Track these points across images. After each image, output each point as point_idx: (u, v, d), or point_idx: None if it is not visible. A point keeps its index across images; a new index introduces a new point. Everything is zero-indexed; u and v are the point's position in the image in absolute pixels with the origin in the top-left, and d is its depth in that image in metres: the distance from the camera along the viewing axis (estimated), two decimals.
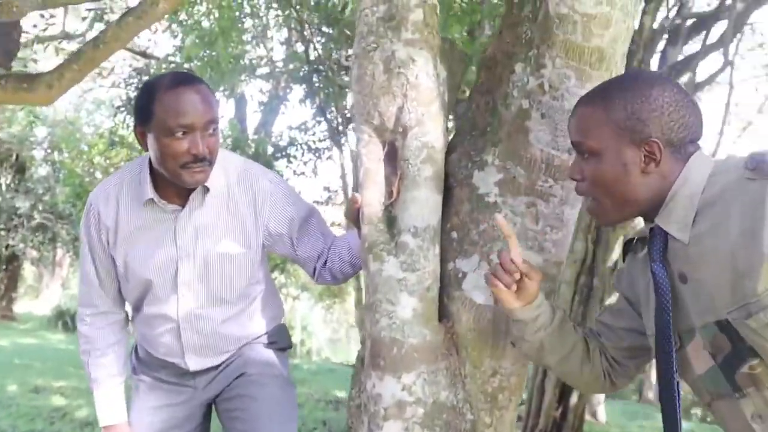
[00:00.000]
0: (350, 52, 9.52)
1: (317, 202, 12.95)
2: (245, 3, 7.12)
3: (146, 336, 2.21)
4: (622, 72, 1.75)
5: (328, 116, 8.96)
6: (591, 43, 1.65)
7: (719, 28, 7.65)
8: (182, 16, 6.45)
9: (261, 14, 8.05)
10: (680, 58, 7.22)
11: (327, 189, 12.83)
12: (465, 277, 1.79)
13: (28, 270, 20.33)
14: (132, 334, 2.31)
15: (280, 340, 2.26)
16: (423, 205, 1.78)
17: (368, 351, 1.79)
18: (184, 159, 1.91)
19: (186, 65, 7.02)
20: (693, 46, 8.28)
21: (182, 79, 1.95)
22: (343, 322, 23.25)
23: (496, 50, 1.87)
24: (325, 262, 2.14)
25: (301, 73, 8.74)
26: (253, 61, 8.97)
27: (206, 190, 2.03)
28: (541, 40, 1.70)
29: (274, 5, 8.09)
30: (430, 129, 1.80)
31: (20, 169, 17.09)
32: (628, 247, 1.67)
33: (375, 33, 1.84)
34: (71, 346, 11.36)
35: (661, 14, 6.89)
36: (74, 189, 12.59)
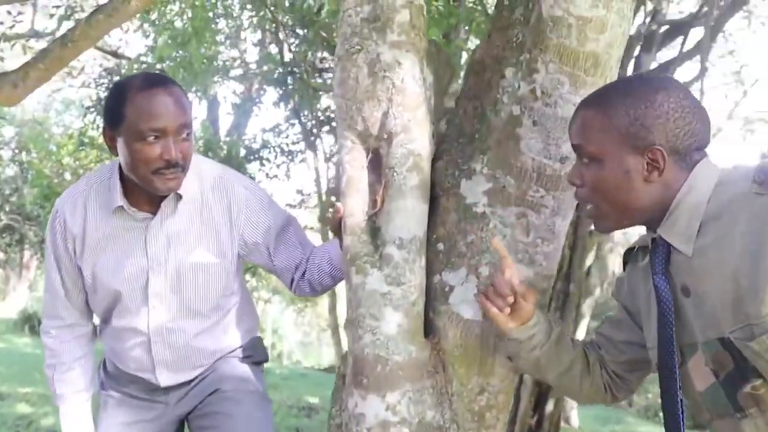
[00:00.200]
0: (326, 54, 9.45)
1: (290, 206, 12.82)
2: (219, 3, 6.99)
3: (115, 350, 2.10)
4: (616, 78, 1.69)
5: (303, 119, 8.85)
6: (586, 47, 1.58)
7: (692, 34, 7.68)
8: (154, 16, 6.31)
9: (235, 15, 7.92)
10: (654, 65, 7.24)
11: (300, 192, 12.71)
12: (452, 290, 1.72)
13: None
14: (99, 339, 2.20)
15: (255, 353, 2.17)
16: (409, 215, 1.70)
17: (350, 368, 1.71)
18: (156, 165, 1.82)
19: (158, 66, 6.87)
20: (666, 53, 8.31)
21: (155, 81, 1.85)
22: (314, 326, 23.11)
23: (484, 54, 1.79)
24: (304, 273, 2.05)
25: (276, 75, 8.62)
26: (227, 63, 8.84)
27: (179, 197, 1.93)
28: (534, 44, 1.63)
29: (248, 6, 7.97)
30: (416, 135, 1.72)
31: None
32: (628, 256, 1.60)
33: (359, 34, 1.75)
34: (38, 351, 11.09)
35: (636, 20, 6.89)
36: (42, 190, 12.34)
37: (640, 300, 1.54)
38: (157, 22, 6.39)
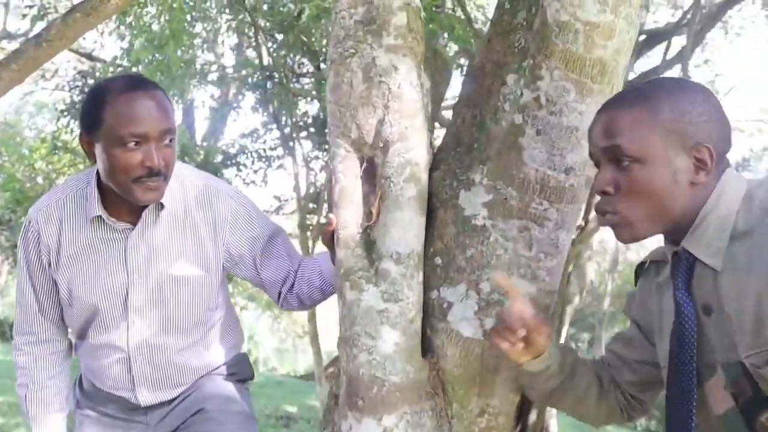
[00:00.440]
0: (304, 60, 9.35)
1: (267, 212, 12.67)
2: (197, 6, 6.87)
3: (92, 367, 1.99)
4: (621, 87, 1.62)
5: (281, 124, 8.74)
6: (593, 54, 1.51)
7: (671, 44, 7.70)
8: (130, 18, 6.17)
9: (212, 18, 7.80)
10: (632, 75, 7.25)
11: (278, 198, 12.58)
12: (450, 307, 1.64)
13: None
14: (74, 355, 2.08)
15: (240, 370, 2.07)
16: (406, 228, 1.61)
17: (344, 389, 1.62)
18: (136, 172, 1.72)
19: (134, 69, 6.74)
20: (644, 62, 8.35)
21: (136, 83, 1.76)
22: (290, 332, 22.93)
23: (484, 59, 1.72)
24: (292, 286, 1.96)
25: (254, 80, 8.50)
26: (204, 67, 8.71)
27: (161, 206, 1.83)
28: (538, 50, 1.55)
29: (226, 10, 7.86)
30: (413, 144, 1.64)
31: None
32: (640, 270, 1.53)
33: (353, 37, 1.67)
34: (9, 358, 10.85)
35: None
36: (14, 194, 12.07)
37: (653, 316, 1.47)
38: (133, 25, 6.27)
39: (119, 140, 1.69)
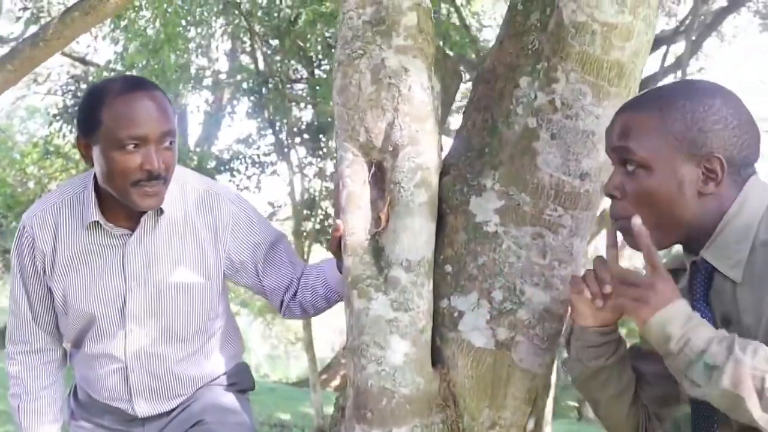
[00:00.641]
0: (298, 67, 9.31)
1: None
2: (192, 11, 6.82)
3: (87, 377, 1.93)
4: (637, 91, 1.58)
5: (276, 129, 8.71)
6: (610, 56, 1.46)
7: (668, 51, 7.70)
8: (125, 22, 6.12)
9: (208, 23, 7.75)
10: None
11: (272, 204, 12.54)
12: (462, 316, 1.58)
13: None
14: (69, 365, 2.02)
15: (241, 381, 2.01)
16: (417, 234, 1.56)
17: (352, 401, 1.56)
18: (135, 176, 1.66)
19: (128, 73, 6.68)
20: (646, 68, 8.36)
21: (135, 84, 1.71)
22: (282, 339, 22.84)
23: (495, 62, 1.67)
24: (295, 294, 1.91)
25: (248, 85, 8.46)
26: (198, 72, 8.66)
27: (160, 212, 1.78)
28: (553, 52, 1.51)
29: (221, 15, 7.81)
30: (424, 148, 1.59)
31: None
32: None
33: (361, 38, 1.62)
34: (1, 365, 10.74)
35: None
36: (5, 199, 11.99)
37: None
38: (128, 28, 6.21)
39: (118, 143, 1.64)
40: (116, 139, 1.65)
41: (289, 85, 8.98)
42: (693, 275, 1.33)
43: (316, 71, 8.76)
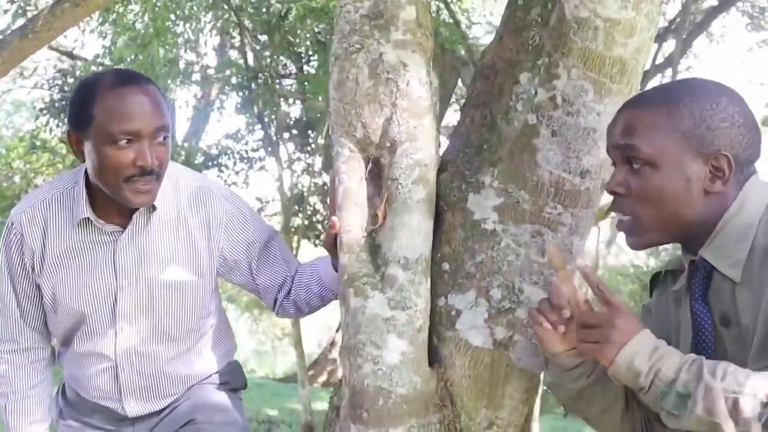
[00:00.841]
0: (287, 62, 9.25)
1: None
2: (182, 5, 6.76)
3: (76, 376, 1.89)
4: (639, 88, 1.56)
5: (266, 125, 8.66)
6: (613, 52, 1.44)
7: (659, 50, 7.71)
8: (113, 16, 6.04)
9: (197, 17, 7.69)
10: None
11: (260, 200, 12.49)
12: (459, 315, 1.56)
13: None
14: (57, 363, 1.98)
15: (233, 379, 1.98)
16: (414, 232, 1.54)
17: (347, 400, 1.54)
18: (128, 172, 1.63)
19: (116, 68, 6.61)
20: None
21: (128, 78, 1.67)
22: (269, 334, 22.80)
23: (495, 57, 1.65)
24: (289, 292, 1.88)
25: (237, 80, 8.42)
26: (187, 67, 8.60)
27: (153, 208, 1.74)
28: (554, 48, 1.49)
29: (211, 10, 7.75)
30: (422, 145, 1.57)
31: None
32: (655, 281, 1.47)
33: (359, 32, 1.60)
34: None
35: None
36: None
37: (671, 328, 1.41)
38: (116, 22, 6.15)
39: (110, 138, 1.60)
40: (108, 134, 1.61)
41: (278, 81, 8.93)
42: (692, 274, 1.32)
43: (306, 67, 8.71)
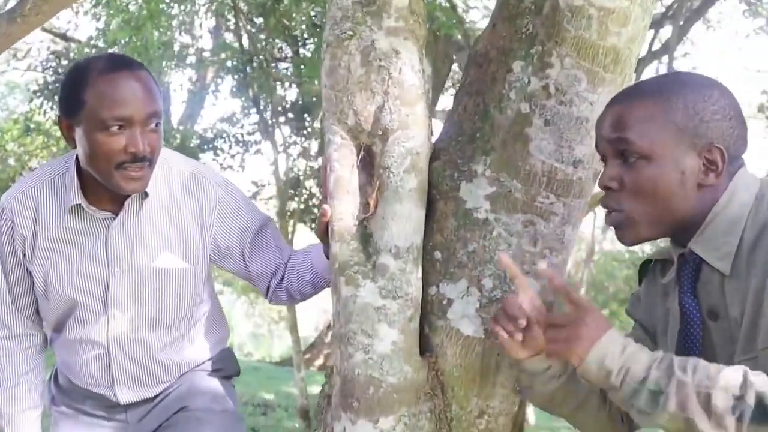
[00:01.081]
0: (283, 45, 9.20)
1: None
2: None
3: (68, 363, 1.89)
4: (632, 78, 1.55)
5: (261, 108, 8.61)
6: (606, 41, 1.44)
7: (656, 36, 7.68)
8: None
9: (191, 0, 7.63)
10: None
11: (255, 183, 12.46)
12: (450, 304, 1.56)
13: None
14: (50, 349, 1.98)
15: (226, 366, 1.98)
16: (406, 221, 1.53)
17: (338, 389, 1.54)
18: (119, 158, 1.62)
19: (110, 50, 6.56)
20: None
21: (120, 63, 1.66)
22: (266, 317, 22.84)
23: (488, 45, 1.64)
24: (282, 280, 1.88)
25: (232, 63, 8.36)
26: (182, 50, 8.53)
27: (145, 195, 1.74)
28: (548, 36, 1.48)
29: None
30: (414, 133, 1.56)
31: None
32: (644, 269, 1.46)
33: (351, 18, 1.58)
34: None
35: None
36: None
37: (658, 318, 1.41)
38: (110, 4, 6.09)
39: (101, 124, 1.59)
40: (100, 119, 1.60)
41: (273, 64, 8.87)
42: (680, 267, 1.31)
43: (301, 50, 8.65)
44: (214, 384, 1.93)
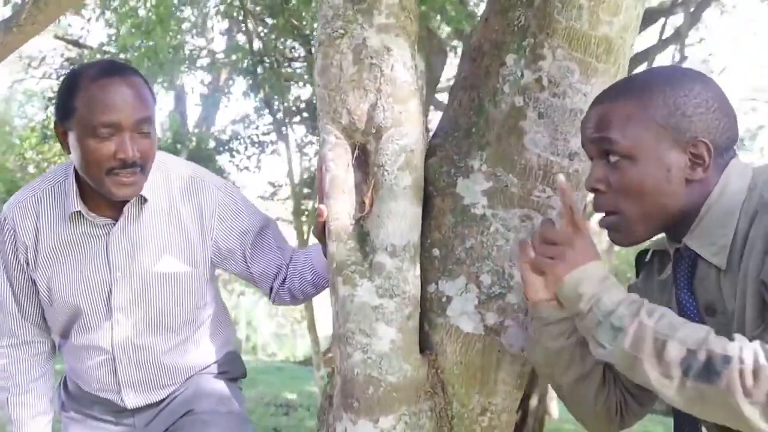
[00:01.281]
0: (295, 44, 9.21)
1: (262, 198, 12.61)
2: None
3: (76, 369, 1.91)
4: (627, 67, 1.53)
5: (275, 109, 8.63)
6: (598, 31, 1.42)
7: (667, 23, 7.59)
8: (116, 3, 6.02)
9: (201, 2, 7.65)
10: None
11: (272, 184, 12.49)
12: (450, 301, 1.55)
13: None
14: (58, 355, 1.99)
15: (232, 369, 1.99)
16: (401, 218, 1.52)
17: (339, 389, 1.54)
18: (109, 164, 1.62)
19: (122, 55, 6.60)
20: (642, 40, 8.22)
21: (112, 69, 1.66)
22: (288, 317, 22.92)
23: (481, 39, 1.62)
24: (284, 280, 1.88)
25: (243, 65, 8.38)
26: (193, 52, 8.57)
27: (143, 200, 1.74)
28: (539, 28, 1.46)
29: None
30: (408, 130, 1.55)
31: None
32: (641, 260, 1.44)
33: (342, 17, 1.57)
34: None
35: None
36: (5, 184, 11.95)
37: None
38: (119, 10, 6.13)
39: (91, 129, 1.60)
40: (90, 125, 1.61)
41: (286, 64, 8.89)
42: (676, 263, 1.29)
43: (313, 49, 8.66)
44: (220, 386, 1.93)
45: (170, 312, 1.81)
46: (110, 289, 1.77)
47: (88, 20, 8.06)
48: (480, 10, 8.65)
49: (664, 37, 6.09)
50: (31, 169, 12.00)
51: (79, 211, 1.73)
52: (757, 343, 1.07)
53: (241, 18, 8.26)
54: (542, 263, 1.29)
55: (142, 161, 1.63)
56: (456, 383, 1.53)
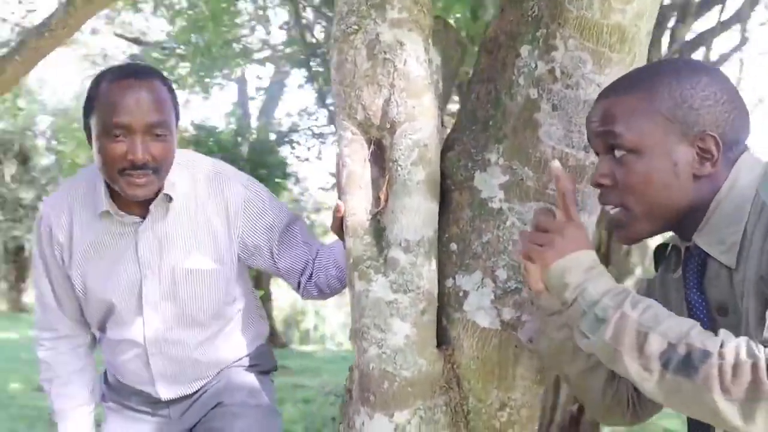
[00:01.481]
0: None
1: (323, 189, 12.73)
2: None
3: (112, 362, 1.97)
4: (645, 55, 1.49)
5: (327, 101, 8.69)
6: (610, 20, 1.38)
7: (730, 3, 7.29)
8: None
9: None
10: (689, 36, 6.87)
11: (333, 175, 12.58)
12: (467, 296, 1.54)
13: None
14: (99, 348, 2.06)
15: (263, 362, 2.02)
16: (415, 214, 1.52)
17: (356, 383, 1.55)
18: (120, 164, 1.67)
19: (178, 51, 6.73)
20: (702, 23, 7.93)
21: (131, 71, 1.70)
22: None
23: (497, 31, 1.60)
24: (311, 275, 1.90)
25: (299, 57, 8.45)
26: (250, 45, 8.68)
27: (169, 198, 1.78)
28: (551, 18, 1.43)
29: None
30: (422, 125, 1.54)
31: (23, 159, 16.91)
32: (660, 253, 1.40)
33: (356, 13, 1.57)
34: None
35: None
36: None
37: (672, 308, 1.34)
38: (173, 6, 6.25)
39: (105, 130, 1.65)
40: (105, 125, 1.66)
41: None
42: (686, 262, 1.25)
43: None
44: (251, 379, 1.97)
45: (199, 307, 1.85)
46: (140, 286, 1.82)
47: (147, 19, 8.25)
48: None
49: (722, 20, 5.86)
50: None
51: (108, 211, 1.78)
52: (742, 339, 1.03)
53: (297, 10, 8.34)
54: (532, 250, 1.26)
55: (154, 164, 1.67)
56: (473, 378, 1.53)
